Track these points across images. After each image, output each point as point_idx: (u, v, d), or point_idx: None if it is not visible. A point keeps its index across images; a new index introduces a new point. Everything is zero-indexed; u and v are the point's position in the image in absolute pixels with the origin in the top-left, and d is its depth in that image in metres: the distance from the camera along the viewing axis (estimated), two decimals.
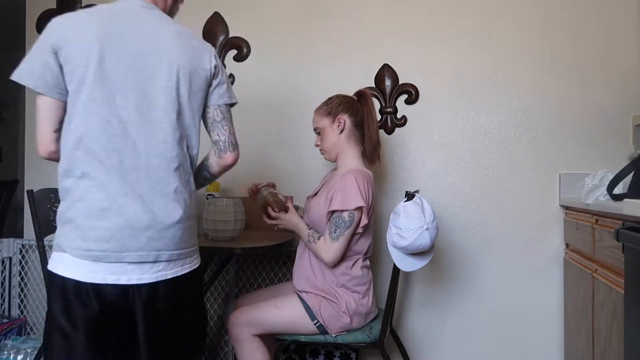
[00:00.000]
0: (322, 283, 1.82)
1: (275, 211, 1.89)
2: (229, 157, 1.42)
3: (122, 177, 1.20)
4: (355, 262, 1.84)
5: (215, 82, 1.38)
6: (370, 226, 1.86)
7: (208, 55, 1.37)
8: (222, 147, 1.41)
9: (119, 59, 1.22)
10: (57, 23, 1.22)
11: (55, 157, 1.26)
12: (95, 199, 1.18)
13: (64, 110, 1.23)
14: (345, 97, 1.95)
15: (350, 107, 1.91)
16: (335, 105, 1.91)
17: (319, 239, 1.81)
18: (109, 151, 1.19)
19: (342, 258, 1.82)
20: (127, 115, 1.22)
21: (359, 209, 1.77)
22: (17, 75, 1.21)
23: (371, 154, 1.91)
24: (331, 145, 1.92)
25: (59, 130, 1.24)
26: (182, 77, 1.29)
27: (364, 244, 1.86)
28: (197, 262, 1.37)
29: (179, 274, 1.28)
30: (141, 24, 1.28)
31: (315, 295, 1.82)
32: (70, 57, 1.19)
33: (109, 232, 1.18)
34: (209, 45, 1.41)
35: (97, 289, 1.16)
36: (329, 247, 1.78)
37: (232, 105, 1.44)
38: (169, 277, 1.26)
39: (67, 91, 1.21)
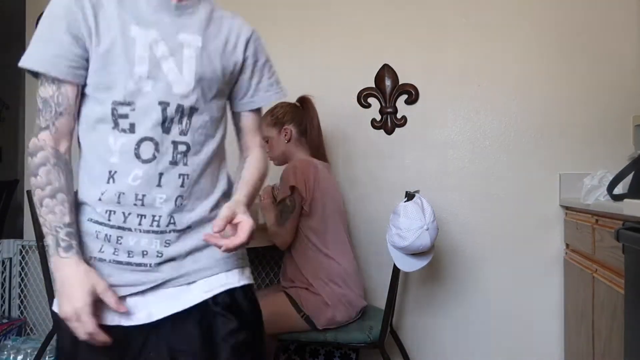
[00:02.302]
0: (303, 275, 1.85)
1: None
2: None
3: None
4: (322, 252, 1.86)
5: None
6: (316, 213, 1.87)
7: None
8: None
9: None
10: None
11: None
12: None
13: None
14: (288, 105, 2.03)
15: (295, 116, 2.02)
16: (280, 116, 2.01)
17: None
18: None
19: (313, 249, 1.85)
20: None
21: (293, 188, 1.84)
22: None
23: (315, 155, 2.02)
24: (280, 153, 2.04)
25: None
26: None
27: (316, 229, 1.87)
28: None
29: None
30: None
31: (299, 288, 1.84)
32: None
33: None
34: None
35: None
36: (278, 232, 1.88)
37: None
38: None
39: None
